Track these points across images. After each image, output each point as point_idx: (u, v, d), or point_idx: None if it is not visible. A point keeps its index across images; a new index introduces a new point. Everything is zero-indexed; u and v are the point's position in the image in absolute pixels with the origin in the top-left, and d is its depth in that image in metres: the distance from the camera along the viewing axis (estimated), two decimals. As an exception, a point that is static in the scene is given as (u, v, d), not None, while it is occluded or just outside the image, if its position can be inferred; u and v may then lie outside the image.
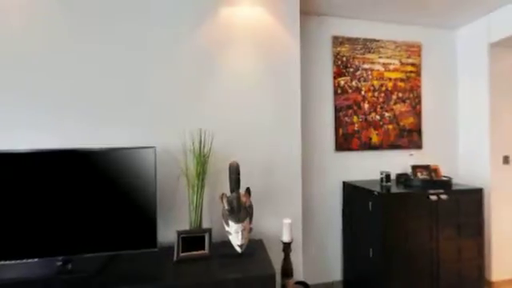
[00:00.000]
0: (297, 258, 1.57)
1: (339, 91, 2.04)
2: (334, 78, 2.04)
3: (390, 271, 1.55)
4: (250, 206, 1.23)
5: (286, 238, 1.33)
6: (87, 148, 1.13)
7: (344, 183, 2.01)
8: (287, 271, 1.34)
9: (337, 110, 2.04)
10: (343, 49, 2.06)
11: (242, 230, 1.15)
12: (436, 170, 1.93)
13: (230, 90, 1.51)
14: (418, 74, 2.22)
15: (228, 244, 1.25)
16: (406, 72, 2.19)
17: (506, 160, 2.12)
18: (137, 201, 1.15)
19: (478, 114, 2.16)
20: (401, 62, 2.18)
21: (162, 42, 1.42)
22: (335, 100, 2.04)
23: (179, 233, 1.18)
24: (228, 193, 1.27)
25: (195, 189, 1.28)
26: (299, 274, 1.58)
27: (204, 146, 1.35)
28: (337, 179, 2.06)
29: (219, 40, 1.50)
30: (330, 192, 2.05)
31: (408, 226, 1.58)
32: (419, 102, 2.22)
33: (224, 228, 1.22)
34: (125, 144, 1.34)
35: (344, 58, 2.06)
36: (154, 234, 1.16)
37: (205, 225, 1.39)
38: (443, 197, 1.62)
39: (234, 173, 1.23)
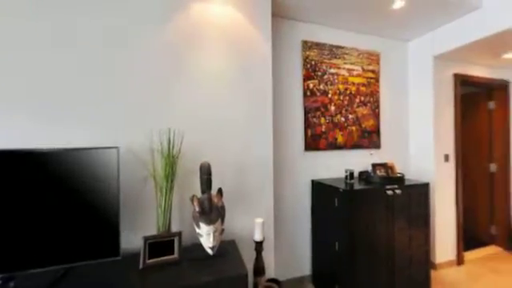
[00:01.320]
0: (269, 256, 1.60)
1: (308, 93, 2.14)
2: (304, 80, 2.13)
3: (353, 261, 1.67)
4: (222, 207, 1.22)
5: (257, 237, 1.35)
6: (39, 148, 1.00)
7: (313, 181, 2.11)
8: (259, 270, 1.36)
9: (306, 111, 2.13)
10: (312, 53, 2.16)
11: (214, 232, 1.13)
12: (392, 168, 2.14)
13: (200, 88, 1.47)
14: (377, 80, 2.44)
15: (199, 247, 1.21)
16: (367, 78, 2.39)
17: (446, 158, 2.45)
18: (97, 206, 1.05)
19: (425, 118, 2.46)
20: (363, 68, 2.36)
21: (127, 37, 1.32)
22: (304, 102, 2.13)
23: (146, 238, 1.11)
24: (199, 194, 1.24)
25: (164, 191, 1.22)
26: (271, 271, 1.61)
27: (173, 147, 1.29)
28: (306, 178, 2.15)
29: (190, 37, 1.45)
30: (300, 190, 2.13)
31: (369, 219, 1.72)
32: (378, 106, 2.43)
33: (195, 230, 1.19)
34: (85, 144, 1.22)
35: (313, 62, 2.16)
36: (117, 241, 1.07)
37: (174, 228, 1.34)
38: (397, 191, 1.80)
39: (206, 173, 1.21)
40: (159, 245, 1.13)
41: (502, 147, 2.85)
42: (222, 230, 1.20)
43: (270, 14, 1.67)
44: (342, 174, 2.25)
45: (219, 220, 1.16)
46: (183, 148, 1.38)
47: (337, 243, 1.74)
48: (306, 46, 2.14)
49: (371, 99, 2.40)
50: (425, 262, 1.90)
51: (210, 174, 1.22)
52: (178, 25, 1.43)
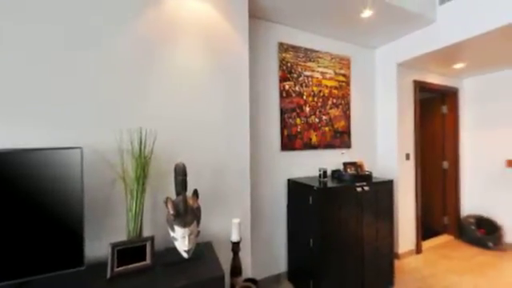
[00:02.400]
0: (246, 256, 1.60)
1: (284, 95, 2.19)
2: (280, 81, 2.17)
3: (326, 256, 1.75)
4: (198, 209, 1.19)
5: (234, 238, 1.34)
6: (-21, 150, 0.88)
7: (289, 180, 2.16)
8: (236, 270, 1.36)
9: (282, 112, 2.17)
10: (288, 55, 2.21)
11: (189, 235, 1.10)
12: (361, 166, 2.29)
13: (175, 86, 1.42)
14: (348, 83, 2.58)
15: (174, 251, 1.17)
16: (339, 81, 2.52)
17: (407, 157, 2.69)
18: (57, 212, 0.96)
19: (390, 120, 2.67)
20: (335, 72, 2.49)
21: (94, 30, 1.22)
22: (281, 103, 2.17)
23: (114, 245, 1.04)
24: (173, 196, 1.19)
25: (134, 194, 1.15)
26: (248, 271, 1.62)
27: (145, 147, 1.23)
28: (282, 177, 2.19)
29: (164, 33, 1.39)
30: (277, 189, 2.17)
31: (340, 215, 1.82)
32: (349, 108, 2.58)
33: (169, 234, 1.14)
34: (45, 145, 1.10)
35: (289, 64, 2.22)
36: (81, 249, 0.99)
37: (146, 233, 1.27)
38: (366, 188, 1.93)
39: (180, 174, 1.17)
40: (129, 251, 1.07)
41: (452, 147, 3.22)
42: (198, 233, 1.18)
43: (246, 14, 1.67)
44: (317, 173, 2.35)
45: (195, 222, 1.13)
46: (156, 148, 1.32)
47: (311, 240, 1.81)
48: (283, 48, 2.18)
49: (343, 101, 2.54)
50: (389, 253, 2.06)
51: (185, 175, 1.18)
52: (151, 19, 1.36)
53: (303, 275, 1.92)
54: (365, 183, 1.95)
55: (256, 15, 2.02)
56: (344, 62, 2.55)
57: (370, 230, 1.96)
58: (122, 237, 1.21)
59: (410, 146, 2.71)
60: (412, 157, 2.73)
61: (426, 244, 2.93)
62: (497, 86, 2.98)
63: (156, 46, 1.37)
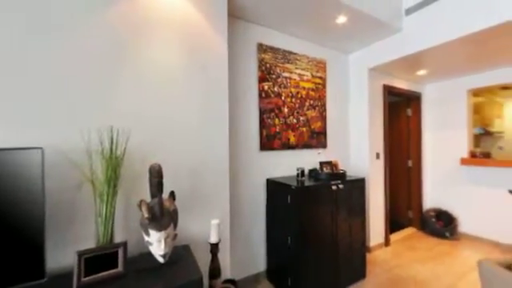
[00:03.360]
0: (225, 257, 1.59)
1: (263, 95, 2.21)
2: (259, 82, 2.19)
3: (304, 253, 1.81)
4: (175, 211, 1.15)
5: (213, 239, 1.32)
6: None
7: (267, 180, 2.19)
8: (215, 272, 1.34)
9: (261, 112, 2.19)
10: (267, 56, 2.24)
11: (166, 238, 1.06)
12: (336, 165, 2.39)
13: (150, 83, 1.36)
14: (324, 86, 2.69)
15: (149, 256, 1.12)
16: (316, 83, 2.61)
17: (377, 156, 2.88)
18: (13, 219, 0.86)
19: (362, 122, 2.83)
20: (312, 74, 2.57)
21: (58, 19, 1.12)
22: (260, 103, 2.19)
23: (80, 253, 0.96)
24: (148, 199, 1.14)
25: (105, 197, 1.08)
26: (227, 272, 1.60)
27: (117, 147, 1.15)
28: (261, 177, 2.21)
29: (138, 27, 1.33)
30: (256, 189, 2.18)
31: (317, 213, 1.89)
32: (325, 110, 2.69)
33: (144, 239, 1.09)
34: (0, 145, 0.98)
35: (268, 65, 2.24)
36: (41, 259, 0.90)
37: (118, 238, 1.19)
38: (341, 186, 2.03)
39: (156, 176, 1.12)
40: (99, 259, 1.00)
41: (416, 146, 3.51)
42: (175, 236, 1.14)
43: (226, 12, 1.66)
44: (295, 172, 2.40)
45: (171, 225, 1.09)
46: (130, 148, 1.25)
47: (289, 237, 1.85)
48: (262, 48, 2.20)
49: (319, 103, 2.63)
50: (361, 247, 2.19)
51: (161, 176, 1.13)
52: (123, 11, 1.28)
53: (282, 273, 1.96)
54: (339, 181, 2.04)
55: (235, 14, 2.01)
56: (320, 65, 2.65)
57: (344, 226, 2.06)
58: (90, 244, 1.13)
59: (379, 146, 2.91)
60: (381, 156, 2.92)
61: (394, 237, 3.16)
62: (451, 92, 3.32)
63: (130, 41, 1.30)
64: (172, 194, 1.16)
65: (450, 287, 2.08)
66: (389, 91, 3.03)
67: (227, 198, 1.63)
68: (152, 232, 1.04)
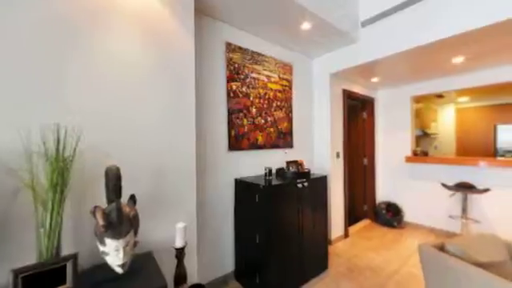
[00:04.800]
0: (191, 261, 1.53)
1: (232, 95, 2.19)
2: (227, 81, 2.17)
3: (271, 250, 1.85)
4: (135, 217, 1.07)
5: (178, 244, 1.27)
6: None
7: (236, 180, 2.18)
8: (180, 278, 1.28)
9: (230, 112, 2.17)
10: (235, 56, 2.23)
11: (125, 246, 0.97)
12: (301, 164, 2.51)
13: (107, 77, 1.24)
14: (291, 88, 2.79)
15: (105, 267, 1.02)
16: (283, 85, 2.69)
17: (338, 155, 3.11)
18: None
19: (324, 123, 3.02)
20: (279, 76, 2.65)
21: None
22: (228, 103, 2.17)
23: (16, 272, 0.82)
24: (105, 204, 1.03)
25: (49, 205, 0.94)
26: (194, 277, 1.55)
27: (64, 148, 1.02)
28: (230, 177, 2.19)
29: (94, 16, 1.20)
30: (224, 189, 2.15)
31: (284, 210, 1.95)
32: (291, 111, 2.79)
33: (98, 249, 0.99)
34: None
35: (236, 65, 2.23)
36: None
37: (67, 251, 1.06)
38: (305, 184, 2.13)
39: (113, 179, 1.02)
40: (42, 276, 0.87)
41: (370, 146, 3.89)
42: (135, 243, 1.06)
43: (192, 9, 1.60)
44: (263, 172, 2.44)
45: (131, 232, 1.01)
46: (81, 149, 1.11)
47: (257, 236, 1.87)
48: (230, 48, 2.19)
49: (286, 104, 2.73)
50: (324, 240, 2.34)
51: (119, 179, 1.04)
52: (73, -5, 1.14)
53: (250, 271, 1.97)
54: (304, 179, 2.14)
55: (204, 11, 1.96)
56: (287, 68, 2.74)
57: (309, 222, 2.17)
58: (30, 259, 0.97)
59: (339, 146, 3.14)
60: (341, 155, 3.16)
61: (352, 229, 3.45)
62: (398, 98, 3.76)
63: (84, 29, 1.17)
64: (132, 198, 1.07)
65: (398, 269, 2.36)
66: (348, 95, 3.29)
67: (194, 199, 1.58)
68: (108, 241, 0.95)
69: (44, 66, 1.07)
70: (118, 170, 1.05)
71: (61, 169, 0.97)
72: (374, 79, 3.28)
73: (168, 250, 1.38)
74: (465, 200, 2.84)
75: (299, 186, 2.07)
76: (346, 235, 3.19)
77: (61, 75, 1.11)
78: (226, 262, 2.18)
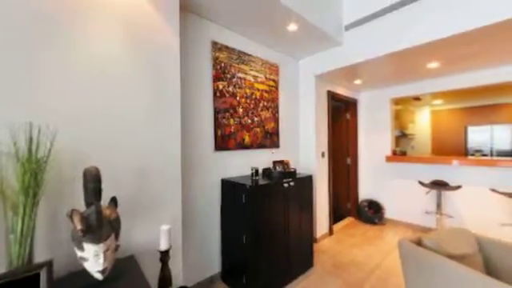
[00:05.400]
0: (177, 264, 1.50)
1: (218, 94, 2.17)
2: (214, 81, 2.14)
3: (258, 250, 1.85)
4: (117, 220, 1.02)
5: (163, 246, 1.23)
6: None
7: (222, 180, 2.16)
8: (165, 281, 1.25)
9: (216, 112, 2.15)
10: (222, 55, 2.21)
11: (105, 251, 0.93)
12: (287, 164, 2.54)
13: (86, 74, 1.18)
14: (277, 88, 2.82)
15: (83, 274, 0.96)
16: (269, 86, 2.71)
17: (323, 155, 3.18)
18: None
19: (309, 124, 3.08)
20: (266, 76, 2.66)
21: None
22: (214, 102, 2.14)
23: (-16, 282, 0.76)
24: (83, 208, 0.98)
25: (20, 210, 0.88)
26: (179, 279, 1.51)
27: (38, 148, 0.96)
28: (216, 177, 2.17)
29: (72, 9, 1.13)
30: (210, 190, 2.13)
31: (270, 210, 1.96)
32: (277, 111, 2.82)
33: (76, 255, 0.93)
34: None
35: (222, 64, 2.22)
36: None
37: (40, 258, 0.99)
38: (291, 184, 2.16)
39: (93, 181, 0.97)
40: (13, 286, 0.81)
41: (353, 146, 4.02)
42: (117, 247, 1.01)
43: (177, 5, 1.57)
44: (249, 172, 2.44)
45: (112, 236, 0.97)
46: (57, 149, 1.05)
47: (244, 236, 1.87)
48: (216, 47, 2.16)
49: (272, 105, 2.75)
50: (309, 238, 2.38)
51: (98, 180, 0.99)
52: (48, -14, 1.07)
53: (237, 272, 1.96)
54: (290, 179, 2.17)
55: (189, 9, 1.92)
56: (273, 69, 2.76)
57: (295, 220, 2.20)
58: (1, 268, 0.90)
59: (324, 146, 3.21)
60: (326, 155, 3.24)
61: (336, 227, 3.54)
62: (379, 100, 3.93)
63: (61, 22, 1.10)
64: (113, 201, 1.02)
65: (380, 264, 2.46)
66: (332, 97, 3.38)
67: (179, 200, 1.54)
68: (87, 246, 0.90)
69: (15, 62, 0.99)
70: (97, 171, 1.00)
71: (33, 170, 0.91)
72: (357, 81, 3.39)
73: (152, 252, 1.34)
74: (439, 197, 3.02)
75: (285, 185, 2.10)
76: (331, 233, 3.27)
77: (35, 72, 1.04)
78: (213, 263, 2.15)
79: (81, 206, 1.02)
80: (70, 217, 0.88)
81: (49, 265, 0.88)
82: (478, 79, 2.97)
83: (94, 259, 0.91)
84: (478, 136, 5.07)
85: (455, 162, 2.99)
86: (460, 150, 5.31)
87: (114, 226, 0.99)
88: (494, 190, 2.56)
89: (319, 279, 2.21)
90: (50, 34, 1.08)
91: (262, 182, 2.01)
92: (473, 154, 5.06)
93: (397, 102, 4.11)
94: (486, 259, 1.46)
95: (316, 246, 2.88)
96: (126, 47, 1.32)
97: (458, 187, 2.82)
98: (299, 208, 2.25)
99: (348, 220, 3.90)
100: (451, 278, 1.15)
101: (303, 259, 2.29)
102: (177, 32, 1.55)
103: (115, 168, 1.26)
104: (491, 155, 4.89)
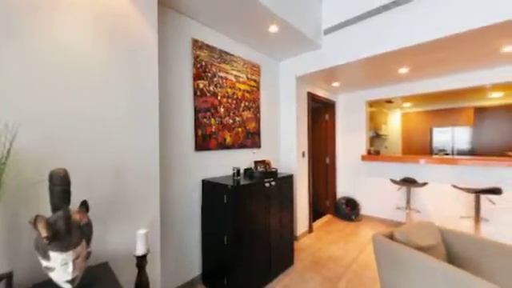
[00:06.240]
0: (155, 268, 1.44)
1: (198, 93, 2.13)
2: (194, 79, 2.10)
3: (240, 250, 1.85)
4: (88, 225, 0.96)
5: (139, 251, 1.18)
6: None
7: (203, 181, 2.12)
8: (142, 287, 1.19)
9: (196, 111, 2.11)
10: (202, 53, 2.17)
11: (75, 259, 0.86)
12: (269, 164, 2.56)
13: (50, 68, 1.09)
14: (258, 88, 2.83)
15: (48, 285, 0.89)
16: (251, 86, 2.72)
17: (303, 154, 3.26)
18: None
19: (290, 124, 3.14)
20: (247, 77, 2.66)
21: None
22: (195, 101, 2.10)
23: None
24: (48, 213, 0.90)
25: (-27, 217, 0.78)
26: (157, 284, 1.46)
27: (-5, 148, 0.86)
28: (196, 178, 2.12)
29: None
30: (190, 191, 2.08)
31: (252, 210, 1.97)
32: (259, 111, 2.83)
33: (40, 265, 0.86)
34: None
35: (203, 63, 2.17)
36: None
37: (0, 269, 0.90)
38: (273, 183, 2.18)
39: (60, 183, 0.90)
40: (-38, 303, 0.72)
41: (332, 146, 4.17)
42: (88, 254, 0.95)
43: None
44: (231, 172, 2.42)
45: (83, 242, 0.90)
46: (18, 150, 0.95)
47: (226, 237, 1.85)
48: (197, 45, 2.12)
49: (254, 105, 2.75)
50: (290, 237, 2.43)
51: (66, 183, 0.92)
52: (7, -31, 0.97)
53: (218, 273, 1.94)
54: (272, 179, 2.19)
55: (168, 4, 1.86)
56: (255, 69, 2.77)
57: (276, 220, 2.23)
58: None
59: (305, 146, 3.30)
60: (306, 154, 3.33)
61: (316, 224, 3.65)
62: (355, 102, 4.12)
63: (23, 10, 1.00)
64: (84, 204, 0.96)
65: (356, 258, 2.58)
66: (312, 98, 3.48)
67: (157, 202, 1.49)
68: (54, 254, 0.83)
69: (-35, 49, 0.89)
70: (65, 172, 0.92)
71: (-11, 173, 0.82)
72: (335, 84, 3.53)
73: (128, 258, 1.27)
74: (409, 193, 3.25)
75: (267, 185, 2.12)
76: (311, 230, 3.37)
77: (-11, 62, 0.94)
78: (193, 266, 2.10)
79: (47, 211, 0.93)
80: (34, 224, 0.80)
81: (8, 277, 0.80)
82: (441, 85, 3.25)
83: (61, 268, 0.84)
84: (442, 137, 5.54)
85: (422, 160, 3.24)
86: (426, 150, 5.76)
87: (84, 232, 0.93)
88: (455, 186, 2.81)
89: (299, 276, 2.26)
90: (8, 28, 0.98)
91: (243, 182, 2.00)
92: (437, 154, 5.51)
93: (371, 104, 4.35)
94: (448, 249, 1.60)
95: (296, 244, 2.94)
96: (99, 41, 1.24)
97: (425, 184, 3.05)
98: (280, 207, 2.28)
99: (327, 217, 4.04)
100: (419, 268, 1.24)
101: (284, 258, 2.33)
102: (155, 27, 1.49)
103: (88, 169, 1.18)
104: (452, 154, 5.37)
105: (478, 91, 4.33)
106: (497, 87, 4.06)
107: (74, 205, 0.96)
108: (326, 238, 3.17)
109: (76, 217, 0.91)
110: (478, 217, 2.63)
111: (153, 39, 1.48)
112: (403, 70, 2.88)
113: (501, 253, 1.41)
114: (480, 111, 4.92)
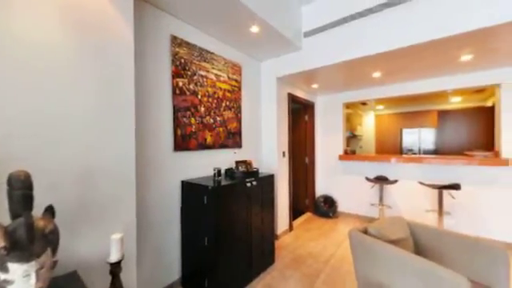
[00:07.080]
0: (130, 275, 1.37)
1: (178, 92, 2.06)
2: (173, 77, 2.03)
3: (221, 251, 1.83)
4: (54, 232, 0.88)
5: (113, 257, 1.11)
6: None
7: (183, 182, 2.06)
8: (116, 296, 1.12)
9: (175, 110, 2.04)
10: (182, 51, 2.11)
11: (38, 270, 0.79)
12: (250, 164, 2.56)
13: (7, 60, 0.99)
14: (240, 88, 2.82)
15: (6, 300, 0.80)
16: (232, 85, 2.70)
17: (283, 154, 3.31)
18: None
19: (271, 124, 3.18)
20: (228, 76, 2.64)
21: None
22: (174, 100, 2.03)
23: None
24: (6, 221, 0.82)
25: None
26: (133, 292, 1.39)
27: None
28: (176, 179, 2.06)
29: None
30: (169, 193, 2.01)
31: (233, 210, 1.95)
32: (240, 111, 2.83)
33: (-4, 278, 0.77)
34: None
35: (182, 60, 2.11)
36: None
37: None
38: (254, 183, 2.19)
39: (21, 187, 0.82)
40: None
41: (311, 146, 4.29)
42: (54, 264, 0.87)
43: (131, -7, 1.44)
44: (212, 173, 2.39)
45: (47, 251, 0.83)
46: (-33, 151, 0.85)
47: (206, 238, 1.82)
48: (176, 42, 2.06)
49: (235, 105, 2.74)
50: (271, 236, 2.45)
51: (28, 187, 0.84)
52: None
53: (199, 276, 1.90)
54: (253, 179, 2.20)
55: (144, -3, 1.78)
56: (236, 68, 2.76)
57: (257, 219, 2.24)
58: None
59: (285, 146, 3.35)
60: (287, 154, 3.39)
61: (296, 222, 3.73)
62: (333, 104, 4.29)
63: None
64: (49, 210, 0.88)
65: (334, 254, 2.68)
66: (292, 99, 3.55)
67: (133, 205, 1.42)
68: (13, 266, 0.75)
69: None
70: (26, 175, 0.84)
71: None
72: (314, 85, 3.64)
73: (101, 265, 1.19)
74: (381, 190, 3.45)
75: (248, 185, 2.12)
76: (291, 229, 3.43)
77: None
78: (172, 270, 2.03)
79: (5, 218, 0.84)
80: (-11, 232, 0.72)
81: (-44, 294, 0.71)
82: (410, 89, 3.50)
83: (23, 280, 0.77)
84: (410, 137, 5.97)
85: (393, 159, 3.47)
86: (397, 150, 6.17)
87: (49, 240, 0.85)
88: (421, 183, 3.05)
89: (280, 274, 2.29)
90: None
91: (224, 182, 1.99)
92: (406, 153, 5.93)
93: (348, 105, 4.55)
94: (416, 241, 1.73)
95: (277, 243, 2.98)
96: (67, 34, 1.15)
97: (395, 181, 3.27)
98: (261, 207, 2.30)
99: (306, 215, 4.15)
100: (390, 259, 1.33)
101: (265, 256, 2.35)
102: (130, 21, 1.42)
103: (53, 171, 1.09)
104: (419, 154, 5.82)
105: (441, 96, 4.74)
106: (456, 92, 4.48)
107: (38, 211, 0.88)
108: (305, 236, 3.25)
109: (40, 223, 0.84)
110: (441, 210, 2.88)
111: (128, 34, 1.40)
112: (377, 74, 3.06)
113: (460, 243, 1.56)
114: (443, 114, 5.39)
